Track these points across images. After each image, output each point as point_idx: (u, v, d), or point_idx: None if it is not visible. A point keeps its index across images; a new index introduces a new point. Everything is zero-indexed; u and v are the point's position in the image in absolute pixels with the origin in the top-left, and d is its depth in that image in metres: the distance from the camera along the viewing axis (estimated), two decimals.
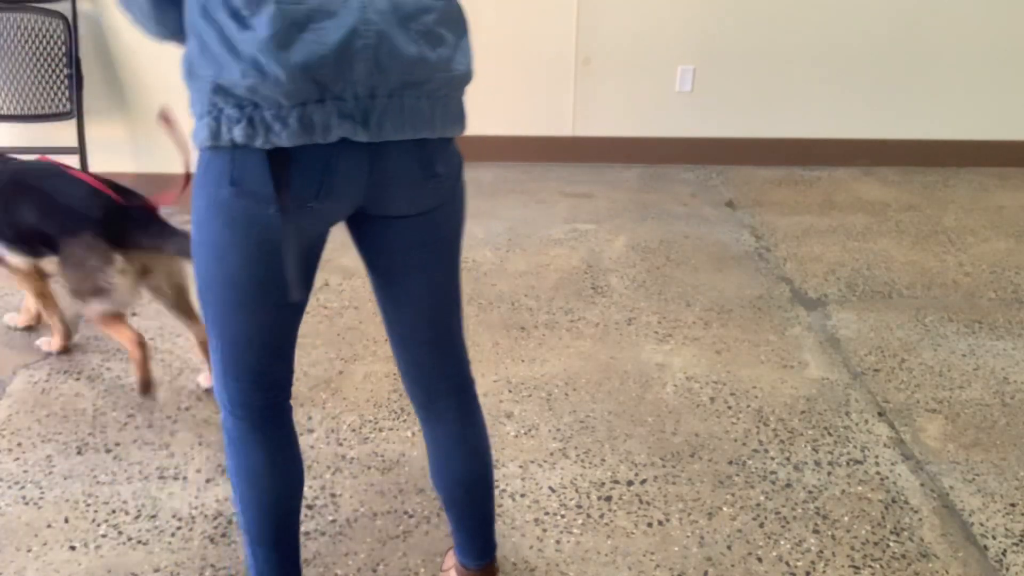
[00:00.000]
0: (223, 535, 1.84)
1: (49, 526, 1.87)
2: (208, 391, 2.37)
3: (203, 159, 1.18)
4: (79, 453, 2.11)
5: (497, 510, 1.92)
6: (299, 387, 2.36)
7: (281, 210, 1.14)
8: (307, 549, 1.80)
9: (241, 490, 1.39)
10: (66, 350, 2.56)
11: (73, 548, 1.81)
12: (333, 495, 1.97)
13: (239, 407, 1.35)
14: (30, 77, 3.45)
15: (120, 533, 1.85)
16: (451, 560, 1.66)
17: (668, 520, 1.90)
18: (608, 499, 1.96)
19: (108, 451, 2.12)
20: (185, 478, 2.02)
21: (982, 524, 1.89)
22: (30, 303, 2.63)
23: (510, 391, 2.37)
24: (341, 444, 2.14)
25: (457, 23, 1.19)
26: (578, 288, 2.98)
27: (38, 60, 3.44)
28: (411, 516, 1.90)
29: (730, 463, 2.08)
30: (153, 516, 1.90)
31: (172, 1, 1.14)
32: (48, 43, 3.43)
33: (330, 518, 1.90)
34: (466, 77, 1.22)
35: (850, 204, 3.81)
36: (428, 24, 1.14)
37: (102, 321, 2.23)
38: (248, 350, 1.29)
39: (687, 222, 3.59)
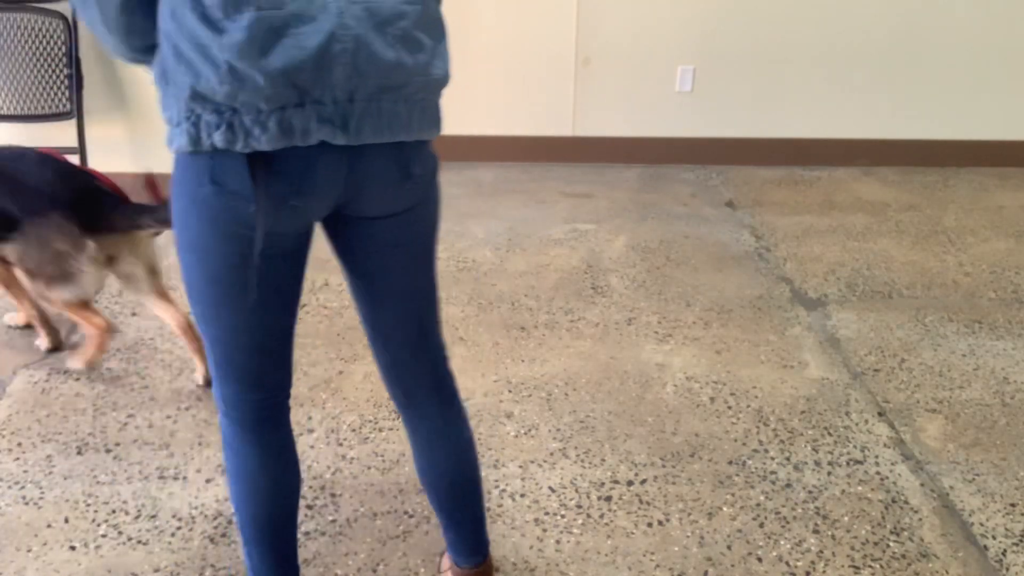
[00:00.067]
0: (223, 535, 1.84)
1: (49, 526, 1.87)
2: (205, 387, 2.37)
3: (182, 162, 1.18)
4: (79, 453, 2.11)
5: (497, 510, 1.92)
6: (299, 387, 2.36)
7: (260, 208, 1.15)
8: (307, 549, 1.80)
9: (236, 491, 1.39)
10: (58, 348, 2.55)
11: (73, 548, 1.81)
12: (333, 495, 1.97)
13: (234, 408, 1.35)
14: (30, 77, 3.45)
15: (120, 533, 1.85)
16: (448, 561, 1.66)
17: (668, 520, 1.90)
18: (608, 499, 1.96)
19: (108, 451, 2.12)
20: (185, 478, 2.02)
21: (982, 524, 1.89)
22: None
23: (510, 391, 2.37)
24: (341, 444, 2.14)
25: (435, 27, 1.20)
26: (578, 288, 2.98)
27: (38, 60, 3.44)
28: (411, 516, 1.90)
29: (730, 463, 2.08)
30: (153, 516, 1.90)
31: (142, 9, 1.13)
32: (48, 43, 3.43)
33: (330, 518, 1.90)
34: (443, 81, 1.24)
35: (850, 204, 3.81)
36: (405, 29, 1.15)
37: (68, 308, 2.22)
38: (239, 350, 1.29)
39: (687, 222, 3.59)
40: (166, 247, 2.20)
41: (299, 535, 1.83)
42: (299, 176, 1.16)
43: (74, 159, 3.56)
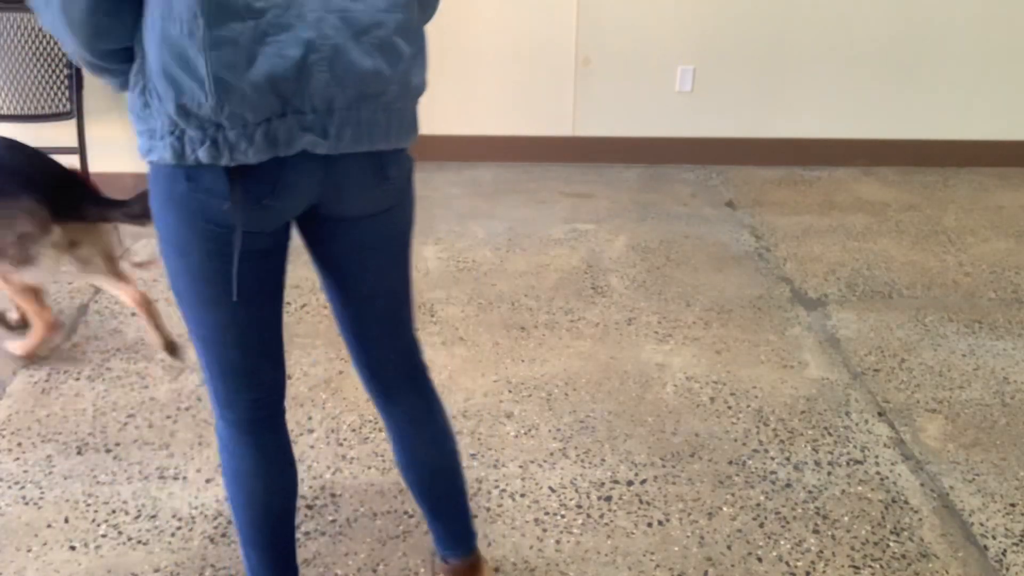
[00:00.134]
0: (223, 535, 1.84)
1: (49, 526, 1.87)
2: (169, 354, 2.42)
3: (158, 167, 1.19)
4: (79, 453, 2.11)
5: (497, 510, 1.92)
6: (299, 387, 2.36)
7: (235, 206, 1.16)
8: (307, 549, 1.80)
9: (232, 493, 1.40)
10: (37, 354, 2.54)
11: (73, 548, 1.81)
12: (333, 495, 1.97)
13: (229, 409, 1.35)
14: (30, 77, 3.45)
15: (120, 533, 1.85)
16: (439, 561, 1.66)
17: (668, 520, 1.90)
18: (608, 499, 1.96)
19: (108, 451, 2.12)
20: (185, 478, 2.02)
21: (982, 524, 1.89)
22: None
23: (510, 391, 2.37)
24: (341, 444, 2.14)
25: (413, 36, 1.21)
26: (578, 288, 2.98)
27: (38, 60, 3.44)
28: (411, 516, 1.90)
29: (730, 463, 2.08)
30: (153, 516, 1.90)
31: (107, 8, 1.08)
32: (48, 43, 3.43)
33: (330, 518, 1.90)
34: (420, 89, 1.25)
35: (850, 204, 3.81)
36: (382, 37, 1.16)
37: (17, 291, 2.26)
38: (229, 347, 1.29)
39: (687, 222, 3.59)
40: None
41: (299, 535, 1.83)
42: (275, 179, 1.17)
43: (74, 159, 3.56)
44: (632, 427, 2.22)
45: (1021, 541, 1.84)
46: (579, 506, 1.94)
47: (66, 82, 3.45)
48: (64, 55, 3.43)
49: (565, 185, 4.03)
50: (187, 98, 1.09)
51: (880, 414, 2.28)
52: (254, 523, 1.41)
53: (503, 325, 2.73)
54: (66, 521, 1.89)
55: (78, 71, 3.45)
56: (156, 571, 1.75)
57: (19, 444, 2.14)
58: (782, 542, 1.83)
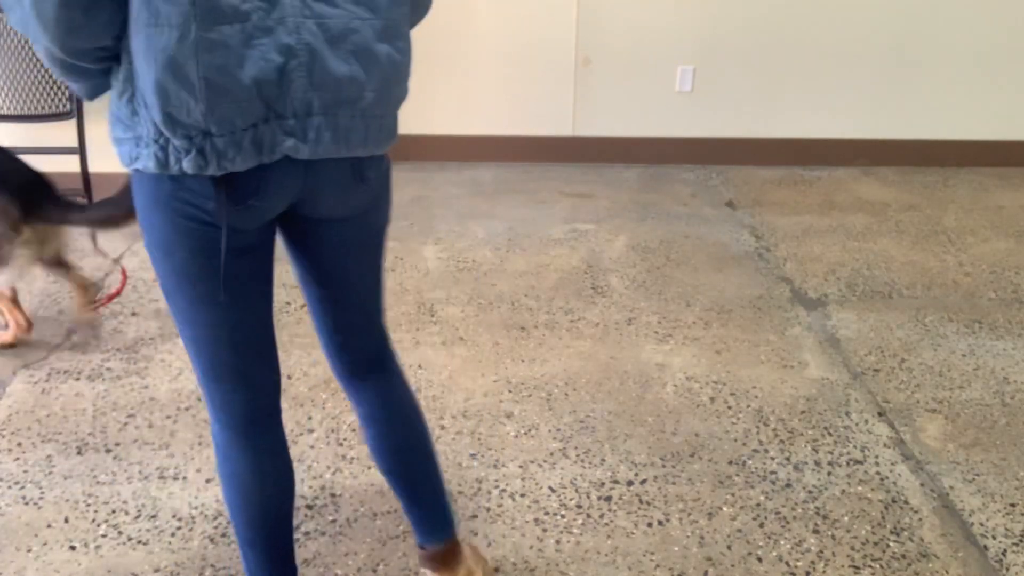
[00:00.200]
0: (223, 535, 1.84)
1: (49, 526, 1.87)
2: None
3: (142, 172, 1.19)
4: (79, 453, 2.11)
5: (497, 510, 1.92)
6: (299, 387, 2.36)
7: (220, 208, 1.16)
8: (307, 549, 1.80)
9: (228, 495, 1.39)
10: (12, 346, 2.55)
11: (73, 548, 1.81)
12: (333, 495, 1.97)
13: (223, 410, 1.35)
14: (30, 77, 3.45)
15: (120, 533, 1.85)
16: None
17: (668, 520, 1.90)
18: (608, 499, 1.96)
19: (108, 451, 2.12)
20: (185, 478, 2.02)
21: (982, 524, 1.89)
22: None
23: (510, 391, 2.37)
24: (341, 444, 2.14)
25: (397, 40, 1.21)
26: (578, 288, 2.98)
27: (38, 60, 3.43)
28: None
29: (730, 463, 2.08)
30: (153, 516, 1.90)
31: (82, 4, 1.04)
32: None
33: (330, 518, 1.90)
34: (400, 97, 1.27)
35: (850, 204, 3.81)
36: (358, 43, 1.16)
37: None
38: (221, 346, 1.29)
39: (687, 222, 3.59)
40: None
41: (299, 535, 1.83)
42: (259, 182, 1.18)
43: (74, 159, 3.56)
44: (632, 427, 2.22)
45: (1021, 541, 1.84)
46: (579, 506, 1.94)
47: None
48: None
49: (565, 185, 4.03)
50: (175, 105, 1.08)
51: (880, 414, 2.28)
52: (251, 525, 1.41)
53: (503, 325, 2.73)
54: (66, 521, 1.89)
55: None
56: (156, 571, 1.75)
57: (19, 444, 2.14)
58: (782, 542, 1.83)
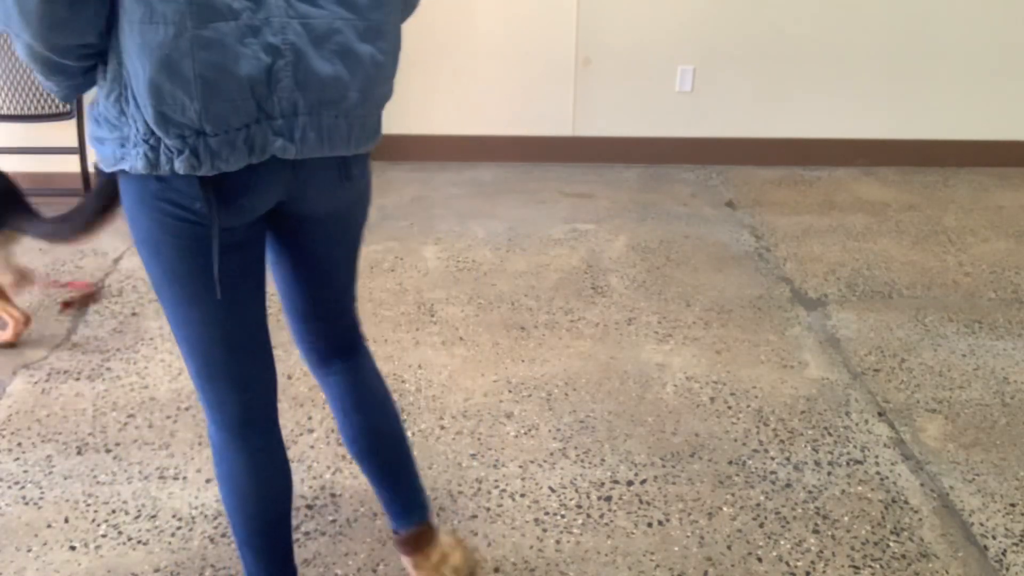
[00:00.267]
0: (223, 535, 1.84)
1: (49, 526, 1.87)
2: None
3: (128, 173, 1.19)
4: (79, 453, 2.11)
5: (497, 510, 1.92)
6: (299, 387, 2.36)
7: (208, 207, 1.16)
8: (307, 549, 1.80)
9: (225, 496, 1.39)
10: (14, 345, 2.56)
11: (73, 548, 1.81)
12: (333, 495, 1.97)
13: (217, 412, 1.34)
14: (30, 77, 3.45)
15: (120, 533, 1.85)
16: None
17: (668, 520, 1.90)
18: (608, 499, 1.96)
19: (108, 451, 2.12)
20: (185, 478, 2.02)
21: (982, 524, 1.89)
22: None
23: (510, 391, 2.37)
24: (341, 444, 2.14)
25: (383, 40, 1.22)
26: (578, 288, 2.98)
27: None
28: None
29: (730, 463, 2.08)
30: (153, 516, 1.90)
31: (76, 5, 1.03)
32: None
33: (330, 518, 1.90)
34: (384, 97, 1.28)
35: (850, 204, 3.81)
36: (341, 43, 1.16)
37: None
38: (215, 345, 1.29)
39: (687, 222, 3.59)
40: None
41: (299, 535, 1.83)
42: (247, 181, 1.18)
43: (74, 159, 3.56)
44: (632, 427, 2.22)
45: (1021, 541, 1.84)
46: (579, 506, 1.94)
47: None
48: None
49: (565, 185, 4.03)
50: (168, 104, 1.08)
51: (880, 414, 2.28)
52: (248, 526, 1.40)
53: (503, 325, 2.73)
54: (66, 521, 1.89)
55: None
56: (156, 571, 1.75)
57: (19, 444, 2.14)
58: (782, 542, 1.83)
